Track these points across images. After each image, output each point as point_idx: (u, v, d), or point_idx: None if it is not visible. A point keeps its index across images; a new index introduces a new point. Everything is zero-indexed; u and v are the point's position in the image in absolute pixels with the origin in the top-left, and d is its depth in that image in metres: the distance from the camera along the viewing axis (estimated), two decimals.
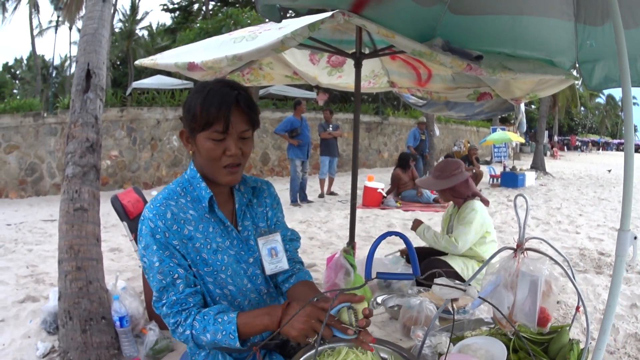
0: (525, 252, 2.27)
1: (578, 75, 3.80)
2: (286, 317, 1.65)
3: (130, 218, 4.51)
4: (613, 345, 4.11)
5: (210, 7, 33.78)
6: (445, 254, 4.66)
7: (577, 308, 2.33)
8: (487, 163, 24.52)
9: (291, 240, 2.22)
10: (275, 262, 2.05)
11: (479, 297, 2.05)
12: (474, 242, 4.48)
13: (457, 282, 2.85)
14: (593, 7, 3.02)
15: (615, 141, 73.75)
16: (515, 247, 2.29)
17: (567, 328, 2.47)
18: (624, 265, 1.91)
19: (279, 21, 2.53)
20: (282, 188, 13.99)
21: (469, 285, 2.14)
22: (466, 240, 4.39)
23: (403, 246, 5.51)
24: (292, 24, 3.01)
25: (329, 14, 2.74)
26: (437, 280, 1.86)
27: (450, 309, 2.68)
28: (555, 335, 2.43)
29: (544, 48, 3.61)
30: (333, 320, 1.59)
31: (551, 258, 2.21)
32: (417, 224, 4.84)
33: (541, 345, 2.45)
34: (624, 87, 1.96)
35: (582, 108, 67.63)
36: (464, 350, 2.37)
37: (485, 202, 4.76)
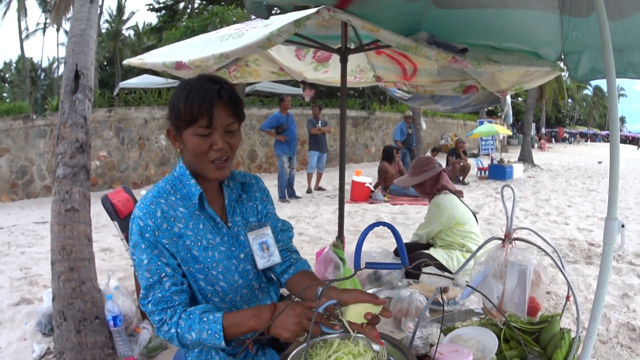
0: (513, 242, 2.29)
1: (564, 67, 3.83)
2: (275, 319, 1.67)
3: (120, 217, 4.51)
4: (605, 334, 4.14)
5: (196, 5, 33.70)
6: (429, 247, 4.84)
7: (568, 297, 2.36)
8: (475, 156, 24.58)
9: (282, 230, 2.23)
10: (267, 256, 2.05)
11: (467, 285, 2.07)
12: (437, 233, 4.81)
13: (445, 272, 2.88)
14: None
15: (604, 132, 73.92)
16: (503, 237, 2.31)
17: (558, 317, 2.50)
18: (612, 253, 1.94)
19: (267, 17, 2.55)
20: (269, 184, 13.84)
21: (457, 274, 2.16)
22: (428, 232, 4.84)
23: (392, 240, 5.62)
24: (278, 21, 3.02)
25: (314, 10, 2.74)
26: (425, 270, 1.87)
27: (440, 300, 2.71)
28: (546, 325, 2.45)
29: (529, 40, 3.64)
30: (322, 319, 1.61)
31: (539, 247, 2.23)
32: None
33: (532, 334, 2.47)
34: (609, 79, 1.98)
35: (570, 100, 67.74)
36: (455, 340, 2.39)
37: (459, 193, 4.95)
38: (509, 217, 2.30)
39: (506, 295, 2.24)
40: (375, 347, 1.66)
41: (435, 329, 2.55)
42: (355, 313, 1.62)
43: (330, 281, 1.67)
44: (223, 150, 1.84)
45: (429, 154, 17.81)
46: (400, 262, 1.77)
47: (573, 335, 2.33)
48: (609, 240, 1.90)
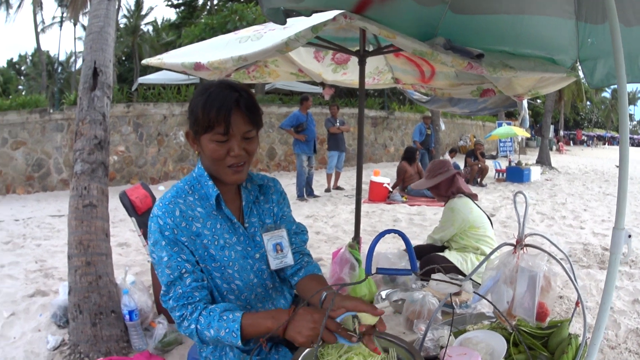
0: (524, 248, 2.31)
1: (579, 73, 3.84)
2: (292, 323, 1.69)
3: (138, 214, 4.56)
4: (614, 340, 4.14)
5: (215, 2, 33.71)
6: (444, 249, 4.85)
7: (577, 303, 2.38)
8: (493, 157, 24.47)
9: (296, 233, 2.25)
10: (280, 257, 2.08)
11: (475, 292, 2.10)
12: (450, 236, 4.80)
13: (459, 276, 2.91)
14: (594, 5, 3.04)
15: None
16: (515, 243, 2.34)
17: (567, 323, 2.52)
18: (618, 262, 1.95)
19: (284, 23, 2.57)
20: (288, 183, 14.03)
21: (467, 280, 2.19)
22: (441, 235, 4.86)
23: (411, 240, 5.68)
24: (296, 24, 3.06)
25: (331, 16, 2.77)
26: (434, 276, 1.91)
27: (453, 303, 2.74)
28: (555, 330, 2.48)
29: (545, 46, 3.64)
30: (339, 328, 1.62)
31: (549, 254, 2.25)
32: None
33: (541, 339, 2.49)
34: (620, 85, 1.99)
35: (588, 102, 67.19)
36: (465, 343, 2.42)
37: (474, 196, 4.94)
38: (521, 224, 2.32)
39: (516, 300, 2.27)
40: (385, 346, 1.69)
41: (447, 332, 2.58)
42: (365, 322, 1.64)
43: (340, 285, 1.70)
44: (240, 157, 1.88)
45: (447, 155, 17.79)
46: (417, 266, 1.81)
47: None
48: (616, 250, 1.92)
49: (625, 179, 1.95)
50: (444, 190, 4.85)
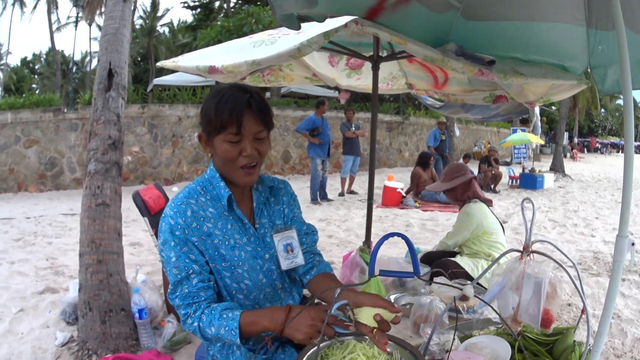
0: (531, 254, 2.34)
1: (589, 81, 3.84)
2: (289, 321, 1.73)
3: (151, 214, 4.60)
4: (620, 348, 4.14)
5: (232, 4, 33.79)
6: (455, 255, 4.83)
7: (583, 311, 2.39)
8: (507, 164, 24.38)
9: (307, 234, 2.28)
10: (291, 257, 2.12)
11: (475, 296, 2.12)
12: (464, 241, 4.79)
13: (467, 281, 2.93)
14: (604, 13, 3.04)
15: (636, 143, 72.76)
16: (521, 249, 2.36)
17: (573, 330, 2.53)
18: (621, 270, 1.97)
19: (298, 29, 2.59)
20: (302, 186, 14.04)
21: (468, 284, 2.21)
22: (455, 240, 4.84)
23: (422, 247, 5.72)
24: (310, 29, 3.09)
25: (342, 23, 2.80)
26: (436, 279, 1.93)
27: (460, 308, 2.76)
28: (560, 337, 2.49)
29: (555, 53, 3.64)
30: (336, 320, 1.66)
31: (555, 261, 2.27)
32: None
33: (547, 346, 2.51)
34: (625, 93, 2.00)
35: (603, 110, 66.81)
36: (470, 348, 2.44)
37: (488, 202, 4.92)
38: (528, 230, 2.34)
39: (521, 306, 2.29)
40: (388, 349, 1.72)
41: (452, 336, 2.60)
42: (368, 316, 1.66)
43: (345, 286, 1.73)
44: (252, 157, 1.92)
45: (461, 160, 17.76)
46: (419, 269, 1.85)
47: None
48: (619, 258, 1.93)
49: (629, 187, 1.97)
50: (461, 193, 4.84)
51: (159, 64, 4.47)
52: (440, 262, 4.55)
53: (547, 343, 2.51)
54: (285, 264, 2.11)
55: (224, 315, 1.83)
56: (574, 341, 2.44)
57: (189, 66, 3.83)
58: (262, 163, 2.02)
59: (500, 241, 4.70)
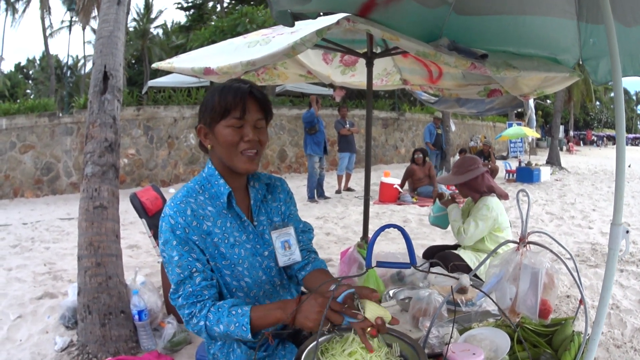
0: (527, 245, 2.35)
1: (582, 73, 3.87)
2: (299, 310, 1.72)
3: (149, 215, 4.61)
4: (620, 339, 4.17)
5: (225, 4, 33.73)
6: (457, 247, 4.79)
7: (580, 301, 2.41)
8: (504, 158, 24.42)
9: (303, 232, 2.30)
10: (288, 254, 2.13)
11: (472, 286, 2.14)
12: (482, 236, 4.58)
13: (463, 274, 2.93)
14: (594, 6, 3.07)
15: (630, 135, 72.80)
16: (518, 240, 2.38)
17: (571, 320, 2.54)
18: (616, 257, 1.99)
19: (292, 25, 2.61)
20: (299, 185, 14.10)
21: (464, 274, 2.22)
22: (474, 233, 4.50)
23: (422, 242, 5.66)
24: (303, 28, 3.11)
25: (334, 20, 2.82)
26: (433, 270, 1.95)
27: (459, 301, 2.77)
28: (559, 327, 2.50)
29: (547, 46, 3.67)
30: (343, 307, 1.66)
31: (551, 251, 2.28)
32: (449, 202, 4.94)
33: (546, 336, 2.52)
34: (615, 86, 2.03)
35: (598, 102, 66.86)
36: (469, 340, 2.44)
37: (504, 196, 4.82)
38: (524, 221, 2.36)
39: (519, 297, 2.30)
40: (388, 342, 1.73)
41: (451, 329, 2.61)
42: (371, 311, 1.68)
43: (343, 277, 1.75)
44: (253, 142, 1.95)
45: (457, 155, 17.78)
46: (416, 260, 1.86)
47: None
48: (614, 245, 1.95)
49: (622, 176, 1.98)
50: (477, 187, 4.73)
51: (154, 65, 4.48)
52: (442, 255, 4.53)
53: (546, 334, 2.52)
54: (282, 261, 2.13)
55: (233, 312, 1.83)
56: (573, 331, 2.46)
57: (185, 67, 3.86)
58: (262, 153, 2.05)
59: (508, 236, 4.66)
